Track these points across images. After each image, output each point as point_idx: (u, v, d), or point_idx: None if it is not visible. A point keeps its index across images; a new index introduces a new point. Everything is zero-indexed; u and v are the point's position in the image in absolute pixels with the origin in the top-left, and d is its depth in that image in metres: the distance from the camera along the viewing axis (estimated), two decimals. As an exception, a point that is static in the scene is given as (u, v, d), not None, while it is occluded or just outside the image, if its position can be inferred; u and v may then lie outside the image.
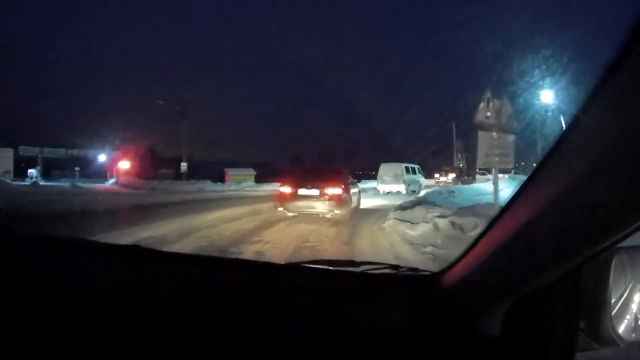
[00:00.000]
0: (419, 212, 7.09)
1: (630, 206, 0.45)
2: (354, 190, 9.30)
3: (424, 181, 20.28)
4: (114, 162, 25.16)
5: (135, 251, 1.19)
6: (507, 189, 8.19)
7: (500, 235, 0.65)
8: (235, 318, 0.85)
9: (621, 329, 0.66)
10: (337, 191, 7.92)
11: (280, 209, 8.04)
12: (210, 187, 20.48)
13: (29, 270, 1.07)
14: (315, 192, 7.84)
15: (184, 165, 22.84)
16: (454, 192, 14.23)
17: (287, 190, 8.10)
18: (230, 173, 26.95)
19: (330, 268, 1.15)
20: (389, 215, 7.57)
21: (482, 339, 0.70)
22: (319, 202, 7.77)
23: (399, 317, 0.83)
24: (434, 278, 0.91)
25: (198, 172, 24.40)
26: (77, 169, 25.15)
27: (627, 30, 0.42)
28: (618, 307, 0.67)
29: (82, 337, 0.78)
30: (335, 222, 7.40)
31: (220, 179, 25.00)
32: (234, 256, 3.91)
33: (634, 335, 0.67)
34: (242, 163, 29.49)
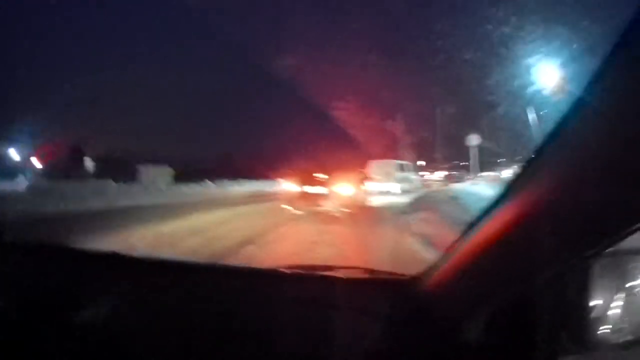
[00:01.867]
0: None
1: (623, 209, 0.42)
2: (366, 188, 8.91)
3: (418, 179, 18.98)
4: (27, 159, 23.27)
5: (116, 258, 1.13)
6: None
7: (483, 240, 0.62)
8: (209, 325, 0.85)
9: (602, 334, 0.67)
10: (346, 188, 7.68)
11: (286, 206, 7.68)
12: (111, 190, 18.31)
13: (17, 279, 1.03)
14: (323, 189, 7.70)
15: (87, 161, 20.54)
16: (456, 197, 11.16)
17: (292, 187, 7.94)
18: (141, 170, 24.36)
19: (306, 272, 1.10)
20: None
21: (463, 345, 0.69)
22: (326, 200, 7.54)
23: (377, 324, 0.81)
24: (412, 282, 0.89)
25: (113, 169, 22.03)
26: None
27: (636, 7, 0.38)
28: (599, 311, 0.68)
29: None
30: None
31: (132, 177, 22.65)
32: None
33: (614, 340, 0.68)
34: (166, 159, 26.86)
